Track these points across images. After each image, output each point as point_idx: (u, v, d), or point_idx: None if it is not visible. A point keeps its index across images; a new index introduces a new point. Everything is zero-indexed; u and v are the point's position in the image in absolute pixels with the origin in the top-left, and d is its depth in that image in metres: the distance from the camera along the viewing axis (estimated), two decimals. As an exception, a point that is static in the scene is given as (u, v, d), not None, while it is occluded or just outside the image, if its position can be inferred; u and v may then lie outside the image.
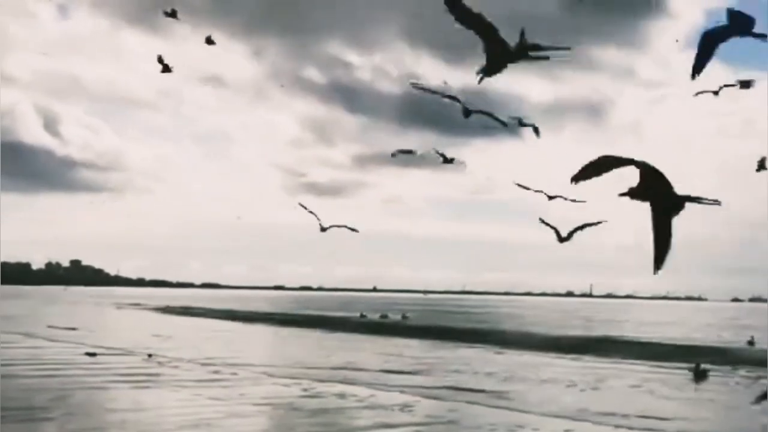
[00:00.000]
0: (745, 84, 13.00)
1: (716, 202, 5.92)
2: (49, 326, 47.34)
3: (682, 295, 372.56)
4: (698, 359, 28.89)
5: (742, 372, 28.73)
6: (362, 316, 71.49)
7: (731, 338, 48.78)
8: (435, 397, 20.41)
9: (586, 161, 5.60)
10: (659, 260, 6.03)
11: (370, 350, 35.78)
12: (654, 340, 41.19)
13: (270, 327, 55.53)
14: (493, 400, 20.05)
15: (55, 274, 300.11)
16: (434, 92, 10.22)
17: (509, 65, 6.68)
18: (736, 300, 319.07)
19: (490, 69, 6.65)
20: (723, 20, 6.72)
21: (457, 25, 5.92)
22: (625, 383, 25.20)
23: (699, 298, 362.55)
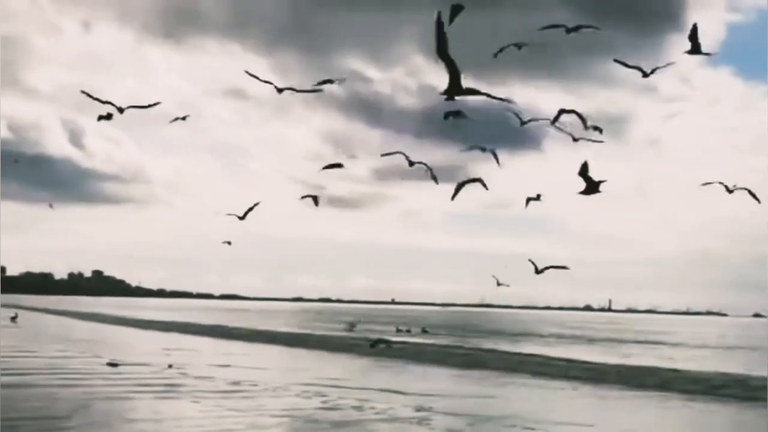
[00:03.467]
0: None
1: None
2: None
3: (703, 310, 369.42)
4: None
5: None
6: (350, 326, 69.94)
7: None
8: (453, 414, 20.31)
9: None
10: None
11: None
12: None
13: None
14: (513, 420, 19.91)
15: (76, 285, 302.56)
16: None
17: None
18: (758, 315, 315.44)
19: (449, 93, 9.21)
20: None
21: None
22: (650, 411, 25.02)
23: (719, 314, 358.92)
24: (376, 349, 44.17)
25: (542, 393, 26.55)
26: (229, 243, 17.87)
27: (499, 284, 14.43)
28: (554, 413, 21.50)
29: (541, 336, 73.31)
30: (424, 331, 70.10)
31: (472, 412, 20.12)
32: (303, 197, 15.16)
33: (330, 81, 13.90)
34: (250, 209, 14.95)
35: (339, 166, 14.25)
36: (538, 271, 13.25)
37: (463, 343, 51.83)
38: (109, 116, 14.53)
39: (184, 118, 16.34)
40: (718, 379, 28.84)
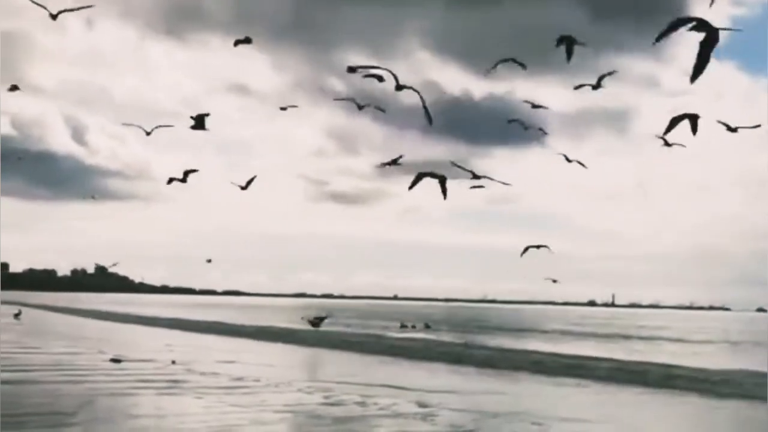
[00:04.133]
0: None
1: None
2: None
3: (706, 305, 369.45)
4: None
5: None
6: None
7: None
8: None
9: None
10: None
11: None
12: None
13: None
14: (519, 416, 19.87)
15: (79, 281, 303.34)
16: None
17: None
18: (761, 310, 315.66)
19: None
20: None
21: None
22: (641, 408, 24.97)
23: (723, 308, 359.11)
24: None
25: (548, 389, 26.49)
26: (209, 261, 18.00)
27: (554, 281, 15.02)
28: (560, 409, 21.44)
29: (545, 332, 73.29)
30: (427, 327, 70.24)
31: (477, 408, 20.09)
32: (243, 187, 15.44)
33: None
34: (251, 180, 15.23)
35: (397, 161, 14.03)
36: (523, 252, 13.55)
37: (467, 339, 51.81)
38: (15, 87, 14.42)
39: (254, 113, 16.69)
40: (722, 375, 28.72)
